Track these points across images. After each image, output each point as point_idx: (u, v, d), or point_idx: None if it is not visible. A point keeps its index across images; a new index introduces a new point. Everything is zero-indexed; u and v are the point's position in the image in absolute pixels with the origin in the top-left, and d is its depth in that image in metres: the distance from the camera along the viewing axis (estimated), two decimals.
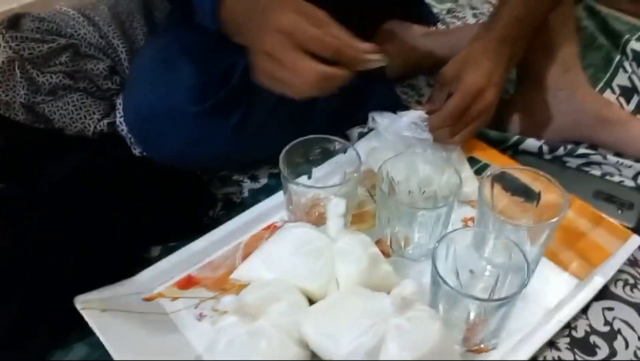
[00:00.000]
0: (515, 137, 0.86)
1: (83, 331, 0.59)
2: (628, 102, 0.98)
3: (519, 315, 0.63)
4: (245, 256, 0.68)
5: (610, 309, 0.67)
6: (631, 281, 0.70)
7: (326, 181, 0.73)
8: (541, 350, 0.61)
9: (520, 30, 0.76)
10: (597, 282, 0.66)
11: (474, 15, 1.24)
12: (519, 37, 0.77)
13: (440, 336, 0.54)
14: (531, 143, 0.85)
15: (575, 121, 0.86)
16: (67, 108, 0.83)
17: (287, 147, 0.69)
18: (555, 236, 0.68)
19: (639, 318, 0.66)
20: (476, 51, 0.75)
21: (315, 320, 0.57)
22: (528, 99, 0.88)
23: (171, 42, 0.79)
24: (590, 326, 0.65)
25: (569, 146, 0.85)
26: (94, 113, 0.84)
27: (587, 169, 0.85)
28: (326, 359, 0.55)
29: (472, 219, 0.74)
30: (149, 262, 0.68)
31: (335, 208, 0.62)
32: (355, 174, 0.68)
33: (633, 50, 1.03)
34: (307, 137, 0.71)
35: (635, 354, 0.62)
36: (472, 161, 0.82)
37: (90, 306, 0.60)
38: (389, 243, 0.70)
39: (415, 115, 0.75)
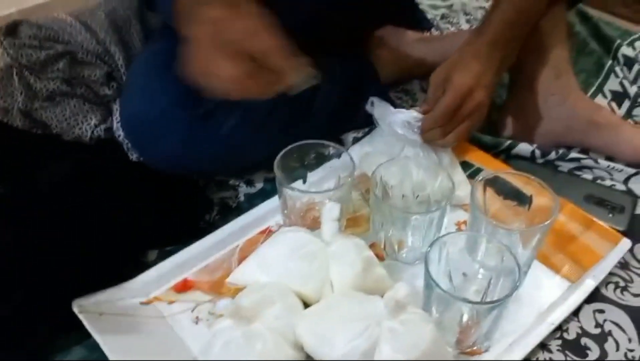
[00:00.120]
0: (508, 142, 0.87)
1: (81, 333, 0.60)
2: (619, 106, 0.99)
3: (512, 317, 0.64)
4: (241, 260, 0.68)
5: (601, 311, 0.68)
6: (622, 283, 0.71)
7: (321, 186, 0.74)
8: (533, 351, 0.62)
9: (510, 34, 0.77)
10: (588, 285, 0.67)
11: (468, 21, 1.25)
12: (510, 41, 0.77)
13: (433, 338, 0.54)
14: (523, 147, 0.86)
15: (566, 126, 0.87)
16: (64, 114, 0.84)
17: (282, 152, 0.69)
18: (547, 239, 0.68)
19: (629, 320, 0.67)
20: (467, 54, 0.76)
21: (310, 322, 0.58)
22: (520, 104, 0.89)
23: (167, 48, 0.79)
24: (581, 328, 0.66)
25: (561, 150, 0.86)
26: (91, 119, 0.84)
27: (578, 173, 0.85)
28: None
29: (465, 222, 0.75)
30: (146, 266, 0.69)
31: (330, 212, 0.62)
32: (349, 179, 0.69)
33: (624, 56, 1.05)
34: (301, 142, 0.72)
35: (625, 356, 0.63)
36: (465, 165, 0.83)
37: (88, 310, 0.61)
38: (383, 247, 0.71)
39: (410, 115, 0.76)
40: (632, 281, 0.71)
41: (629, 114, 0.98)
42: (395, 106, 0.80)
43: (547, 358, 0.63)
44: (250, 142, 0.80)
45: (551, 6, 0.82)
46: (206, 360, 0.56)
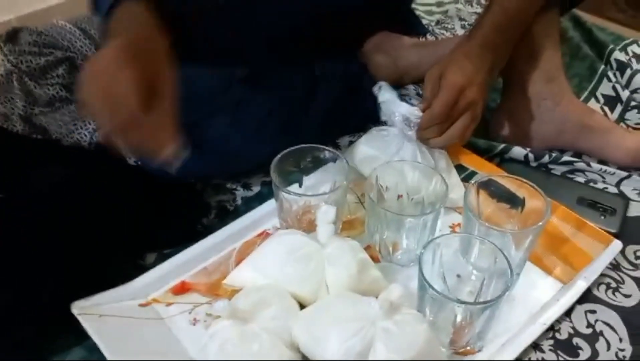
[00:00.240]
0: (502, 146, 0.88)
1: (80, 334, 0.61)
2: (612, 111, 1.00)
3: (505, 317, 0.65)
4: (238, 263, 0.69)
5: (593, 312, 0.68)
6: (613, 284, 0.72)
7: (317, 189, 0.75)
8: (526, 351, 0.62)
9: (500, 38, 0.78)
10: (580, 286, 0.68)
11: (463, 27, 1.26)
12: (500, 44, 0.79)
13: (427, 338, 0.55)
14: (517, 151, 0.87)
15: (559, 129, 0.88)
16: (63, 119, 0.85)
17: (279, 156, 0.71)
18: (539, 241, 0.70)
19: (620, 321, 0.67)
20: (459, 54, 0.77)
21: (306, 323, 0.58)
22: (513, 108, 0.91)
23: None
24: (573, 328, 0.67)
25: (554, 154, 0.87)
26: (90, 124, 0.85)
27: (571, 176, 0.87)
28: None
29: (459, 225, 0.76)
30: (144, 269, 0.70)
31: (325, 214, 0.63)
32: (345, 182, 0.70)
33: (617, 60, 1.06)
34: (297, 146, 0.73)
35: (616, 355, 0.64)
36: (459, 168, 0.84)
37: (87, 312, 0.62)
38: (378, 249, 0.72)
39: (411, 110, 0.76)
40: (623, 282, 0.72)
41: (621, 118, 0.99)
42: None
43: (540, 358, 0.64)
44: (246, 147, 0.81)
45: (544, 11, 0.83)
46: (203, 360, 0.56)
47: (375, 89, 0.80)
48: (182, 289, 0.69)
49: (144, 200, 0.75)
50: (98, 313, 0.62)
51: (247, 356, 0.54)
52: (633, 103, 1.00)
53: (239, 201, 0.84)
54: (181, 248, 0.72)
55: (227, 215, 0.81)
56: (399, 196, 0.74)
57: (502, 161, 0.88)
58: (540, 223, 0.64)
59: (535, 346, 0.64)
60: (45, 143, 0.84)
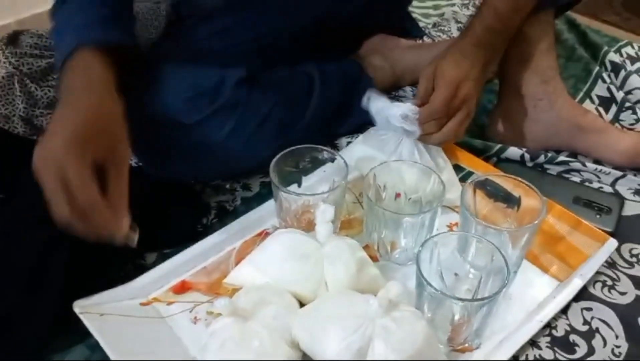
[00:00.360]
0: (498, 146, 0.89)
1: (82, 333, 0.61)
2: (607, 111, 1.01)
3: (502, 315, 0.66)
4: (238, 262, 0.70)
5: (589, 309, 0.69)
6: (609, 282, 0.72)
7: (315, 189, 0.75)
8: (523, 348, 0.63)
9: (493, 38, 0.79)
10: (576, 284, 0.68)
11: (459, 29, 1.27)
12: (492, 43, 0.80)
13: (425, 335, 0.56)
14: (513, 151, 0.88)
15: (555, 130, 0.89)
16: None
17: (278, 156, 0.71)
18: (536, 240, 0.70)
19: (616, 318, 0.68)
20: (454, 51, 0.78)
21: (306, 321, 0.59)
22: (510, 109, 0.91)
23: (165, 57, 0.81)
24: (569, 325, 0.67)
25: (550, 154, 0.88)
26: None
27: (567, 176, 0.88)
28: (316, 359, 0.57)
29: (457, 224, 0.77)
30: (145, 268, 0.70)
31: (324, 214, 0.64)
32: (343, 182, 0.71)
33: (611, 62, 1.07)
34: (296, 147, 0.74)
35: (612, 352, 0.65)
36: (456, 168, 0.84)
37: (89, 311, 0.62)
38: (376, 248, 0.72)
39: (407, 107, 0.77)
40: (619, 279, 0.73)
41: (616, 119, 1.00)
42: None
43: (537, 355, 0.64)
44: (245, 148, 0.81)
45: (539, 14, 0.84)
46: (204, 358, 0.57)
47: (364, 102, 0.80)
48: (182, 288, 0.70)
49: (144, 201, 0.76)
50: (99, 312, 0.63)
51: (247, 354, 0.55)
52: (627, 104, 1.01)
53: (238, 202, 0.84)
54: (181, 248, 0.73)
55: (226, 215, 0.82)
56: (397, 196, 0.75)
57: (499, 161, 0.89)
58: (536, 221, 0.65)
59: (533, 343, 0.65)
60: None
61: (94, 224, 0.56)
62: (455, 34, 1.26)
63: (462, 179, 0.83)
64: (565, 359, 0.64)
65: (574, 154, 0.91)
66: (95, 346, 0.61)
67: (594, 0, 1.37)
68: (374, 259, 0.72)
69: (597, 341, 0.66)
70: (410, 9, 1.21)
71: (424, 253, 0.61)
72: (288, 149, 0.73)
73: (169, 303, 0.68)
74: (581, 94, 1.05)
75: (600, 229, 0.75)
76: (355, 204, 0.80)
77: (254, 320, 0.57)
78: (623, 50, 1.12)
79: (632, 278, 0.73)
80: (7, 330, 0.62)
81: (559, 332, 0.67)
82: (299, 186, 0.77)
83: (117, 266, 0.72)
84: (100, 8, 0.70)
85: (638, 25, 1.31)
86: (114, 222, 0.58)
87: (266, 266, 0.64)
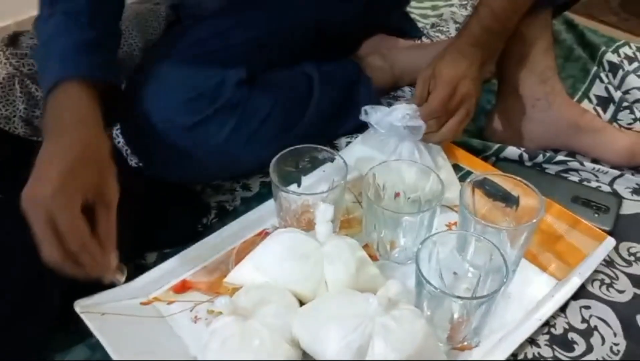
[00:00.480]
0: (497, 146, 0.89)
1: (83, 333, 0.61)
2: (605, 111, 1.02)
3: (501, 314, 0.66)
4: (238, 262, 0.70)
5: (587, 307, 0.70)
6: (607, 280, 0.73)
7: (315, 189, 0.76)
8: (522, 346, 0.63)
9: (490, 37, 0.80)
10: (575, 282, 0.69)
11: (457, 30, 1.28)
12: (489, 43, 0.80)
13: (425, 333, 0.56)
14: (512, 151, 0.88)
15: (553, 130, 0.89)
16: None
17: (277, 156, 0.72)
18: (535, 239, 0.71)
19: (614, 316, 0.69)
20: (452, 51, 0.79)
21: (306, 320, 0.59)
22: (508, 109, 0.92)
23: (165, 59, 0.81)
24: (568, 323, 0.68)
25: (548, 154, 0.88)
26: None
27: (565, 175, 0.88)
28: (317, 357, 0.57)
29: (456, 223, 0.77)
30: (145, 268, 0.71)
31: (323, 213, 0.64)
32: (343, 182, 0.71)
33: (609, 62, 1.08)
34: (295, 147, 0.74)
35: (610, 349, 0.65)
36: (455, 168, 0.85)
37: (90, 310, 0.62)
38: (375, 247, 0.73)
39: (406, 107, 0.78)
40: (617, 278, 0.73)
41: (614, 118, 1.00)
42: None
43: (536, 353, 0.65)
44: (246, 148, 0.82)
45: (537, 14, 0.85)
46: (205, 357, 0.57)
47: (362, 116, 0.81)
48: (183, 288, 0.70)
49: (145, 201, 0.76)
50: (100, 312, 0.63)
51: (248, 352, 0.55)
52: (625, 103, 1.01)
53: (238, 201, 0.85)
54: (182, 248, 0.73)
55: (226, 215, 0.82)
56: (396, 195, 0.75)
57: (497, 160, 0.90)
58: (535, 220, 0.65)
59: (531, 341, 0.65)
60: None
61: (83, 265, 0.57)
62: (454, 34, 1.26)
63: (461, 179, 0.83)
64: (564, 357, 0.64)
65: (572, 154, 0.92)
66: (96, 346, 0.61)
67: (592, 1, 1.38)
68: (374, 258, 0.72)
69: (595, 339, 0.66)
70: (408, 9, 1.21)
71: (423, 252, 0.61)
72: (288, 149, 0.73)
73: (170, 303, 0.68)
74: (579, 94, 1.05)
75: (598, 228, 0.75)
76: (355, 204, 0.81)
77: (254, 318, 0.57)
78: (621, 51, 1.13)
79: (630, 276, 0.73)
80: (7, 330, 0.62)
81: (558, 330, 0.67)
82: (299, 185, 0.77)
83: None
84: (88, 30, 0.69)
85: (636, 26, 1.31)
86: (102, 263, 0.58)
87: (266, 266, 0.65)
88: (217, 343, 0.56)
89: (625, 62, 1.10)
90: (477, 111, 0.85)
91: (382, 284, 0.57)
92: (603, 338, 0.66)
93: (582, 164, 0.87)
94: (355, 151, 0.85)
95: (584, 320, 0.68)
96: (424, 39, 1.20)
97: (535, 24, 0.86)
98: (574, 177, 0.87)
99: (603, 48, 1.10)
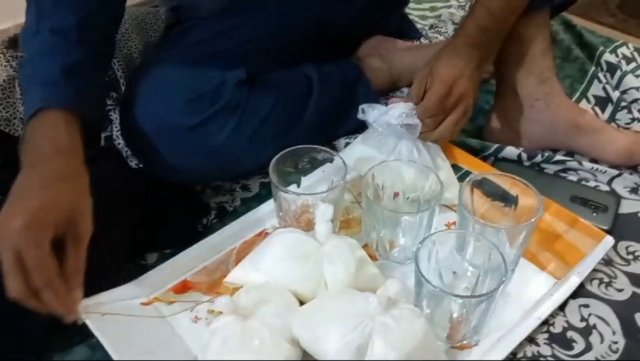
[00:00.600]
0: (495, 146, 0.89)
1: (83, 333, 0.62)
2: (603, 111, 1.02)
3: (500, 312, 0.66)
4: (238, 262, 0.70)
5: (586, 306, 0.70)
6: (606, 279, 0.73)
7: (314, 189, 0.76)
8: (521, 345, 0.64)
9: (486, 37, 0.80)
10: (574, 281, 0.69)
11: (455, 31, 1.28)
12: (486, 42, 0.81)
13: (424, 332, 0.57)
14: (510, 151, 0.89)
15: (551, 129, 0.90)
16: None
17: (277, 157, 0.72)
18: (533, 238, 0.71)
19: (613, 314, 0.69)
20: (448, 50, 0.79)
21: (306, 319, 0.60)
22: (506, 109, 0.92)
23: (165, 60, 0.82)
24: (567, 322, 0.68)
25: (547, 153, 0.89)
26: None
27: (564, 175, 0.88)
28: (317, 356, 0.58)
29: (455, 223, 0.77)
30: (146, 268, 0.71)
31: (323, 213, 0.64)
32: (342, 182, 0.71)
33: (607, 62, 1.08)
34: (295, 147, 0.74)
35: (609, 347, 0.65)
36: (454, 168, 0.85)
37: (91, 311, 0.62)
38: (375, 247, 0.73)
39: (403, 105, 0.78)
40: (615, 277, 0.73)
41: (612, 118, 1.00)
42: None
43: (535, 351, 0.65)
44: (245, 150, 0.82)
45: (535, 14, 0.85)
46: (205, 356, 0.57)
47: (359, 115, 0.81)
48: (183, 288, 0.70)
49: (145, 201, 0.76)
50: (101, 312, 0.63)
51: (248, 352, 0.55)
52: (623, 103, 1.01)
53: (238, 202, 0.85)
54: (182, 248, 0.73)
55: (226, 215, 0.82)
56: (395, 195, 0.75)
57: (496, 160, 0.90)
58: (533, 219, 0.65)
59: (531, 340, 0.66)
60: None
61: (46, 303, 0.56)
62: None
63: (460, 179, 0.83)
64: (563, 355, 0.65)
65: (570, 154, 0.92)
66: (97, 346, 0.61)
67: (589, 2, 1.39)
68: (373, 258, 0.72)
69: (594, 338, 0.66)
70: (407, 10, 1.22)
71: (423, 251, 0.62)
72: (287, 150, 0.73)
73: (170, 303, 0.68)
74: (577, 94, 1.06)
75: (597, 227, 0.75)
76: (354, 204, 0.81)
77: (254, 318, 0.58)
78: (619, 51, 1.13)
79: (628, 275, 0.74)
80: (7, 330, 0.62)
81: (557, 329, 0.67)
82: (298, 186, 0.77)
83: (118, 266, 0.72)
84: (77, 50, 0.68)
85: (634, 27, 1.32)
86: (65, 302, 0.57)
87: (266, 266, 0.65)
88: (217, 342, 0.56)
89: (623, 62, 1.10)
90: (476, 111, 0.85)
91: (381, 284, 0.57)
92: (602, 337, 0.67)
93: (580, 163, 0.88)
94: (355, 151, 0.85)
95: (583, 319, 0.68)
96: (422, 40, 1.21)
97: (533, 24, 0.86)
98: (573, 177, 0.88)
99: (601, 48, 1.10)
